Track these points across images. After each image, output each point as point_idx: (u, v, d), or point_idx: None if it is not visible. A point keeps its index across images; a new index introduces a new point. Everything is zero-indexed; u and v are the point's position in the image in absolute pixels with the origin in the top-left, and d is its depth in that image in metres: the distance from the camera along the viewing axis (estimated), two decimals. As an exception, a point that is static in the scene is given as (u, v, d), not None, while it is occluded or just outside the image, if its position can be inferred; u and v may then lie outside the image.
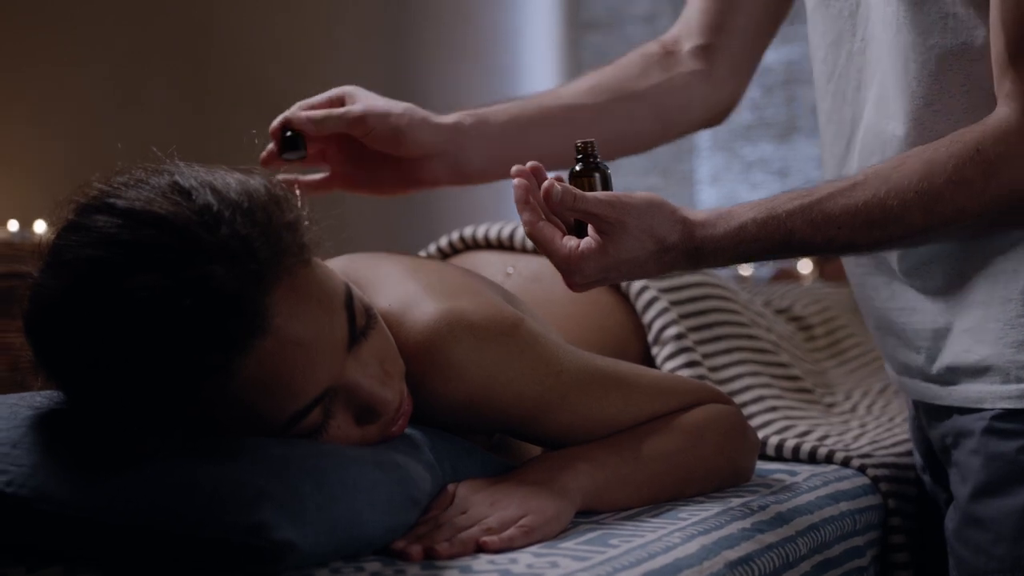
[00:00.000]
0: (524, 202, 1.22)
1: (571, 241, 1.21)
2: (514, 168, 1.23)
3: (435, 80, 3.50)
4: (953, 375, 1.35)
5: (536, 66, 4.17)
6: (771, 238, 1.23)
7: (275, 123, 1.39)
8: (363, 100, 1.42)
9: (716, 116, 1.66)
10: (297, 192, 1.09)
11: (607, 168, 1.27)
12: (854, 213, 1.21)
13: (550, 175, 1.23)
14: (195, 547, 0.97)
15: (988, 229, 1.27)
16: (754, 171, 4.42)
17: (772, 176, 4.41)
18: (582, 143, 1.26)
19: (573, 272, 1.22)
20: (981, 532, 1.34)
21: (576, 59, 4.52)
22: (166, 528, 0.97)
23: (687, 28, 1.63)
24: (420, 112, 1.44)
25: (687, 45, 1.62)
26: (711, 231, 1.23)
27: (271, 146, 1.41)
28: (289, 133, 1.39)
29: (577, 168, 1.26)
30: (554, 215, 1.23)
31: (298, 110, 1.40)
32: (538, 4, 4.31)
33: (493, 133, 1.49)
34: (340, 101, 1.43)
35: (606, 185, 1.26)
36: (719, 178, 4.48)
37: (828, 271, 3.14)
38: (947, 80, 1.26)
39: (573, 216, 1.22)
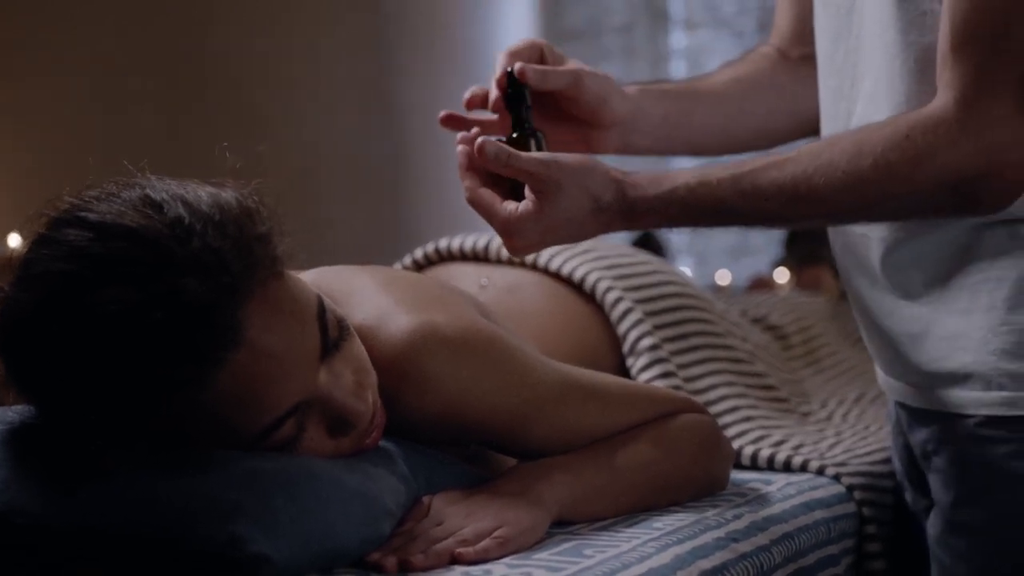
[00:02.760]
0: (466, 168, 1.24)
1: (510, 205, 1.23)
2: (459, 135, 1.25)
3: (415, 90, 3.50)
4: (932, 380, 1.35)
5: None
6: (701, 204, 1.24)
7: (499, 73, 1.37)
8: (562, 55, 1.42)
9: None
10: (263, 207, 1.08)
11: (542, 136, 1.29)
12: (781, 186, 1.23)
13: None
14: (169, 561, 0.97)
15: (930, 215, 1.27)
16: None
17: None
18: (518, 110, 1.29)
19: (513, 234, 1.23)
20: (963, 539, 1.34)
21: (554, 69, 4.52)
22: (139, 541, 0.97)
23: (782, 39, 1.63)
24: (611, 78, 1.44)
25: (793, 53, 1.62)
26: (643, 191, 1.24)
27: (496, 95, 1.38)
28: (511, 90, 1.36)
29: (513, 135, 1.28)
30: (492, 182, 1.24)
31: (510, 59, 1.38)
32: (516, 15, 4.32)
33: (660, 114, 1.49)
34: (539, 51, 1.41)
35: (540, 150, 1.27)
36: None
37: (804, 281, 3.15)
38: (924, 78, 1.27)
39: (508, 175, 1.23)
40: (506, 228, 1.23)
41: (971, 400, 1.31)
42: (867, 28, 1.34)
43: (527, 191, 1.23)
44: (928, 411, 1.38)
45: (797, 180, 1.22)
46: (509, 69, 1.35)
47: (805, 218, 1.26)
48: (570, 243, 1.32)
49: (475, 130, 1.25)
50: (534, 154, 1.23)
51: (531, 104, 1.35)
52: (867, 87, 1.35)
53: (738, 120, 1.55)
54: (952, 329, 1.32)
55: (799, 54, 1.61)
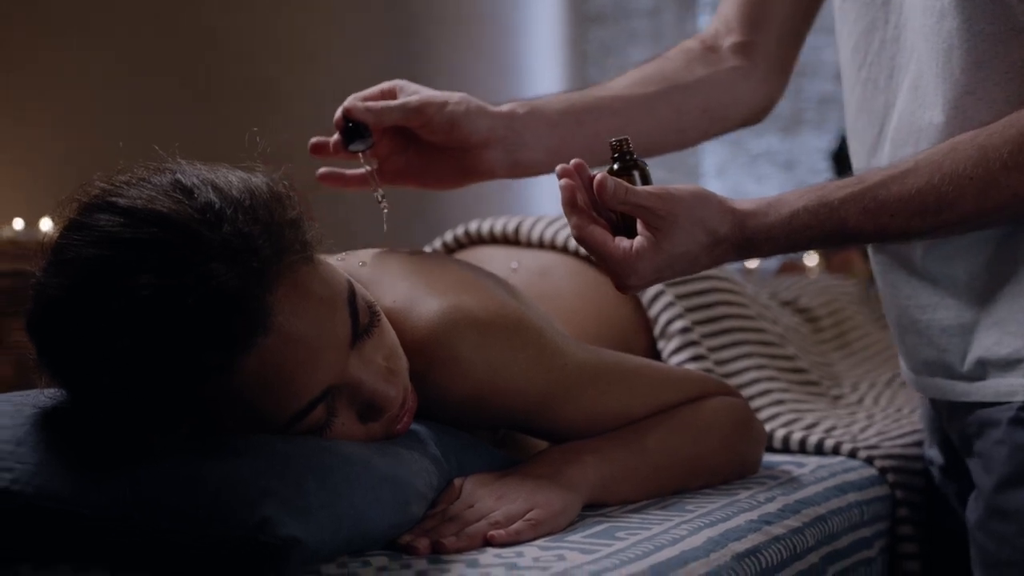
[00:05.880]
0: (572, 204, 1.19)
1: (624, 242, 1.19)
2: (559, 167, 1.20)
3: (440, 74, 3.50)
4: (983, 369, 1.33)
5: (541, 60, 4.17)
6: (823, 226, 1.22)
7: (337, 114, 1.36)
8: (417, 90, 1.39)
9: (757, 113, 1.64)
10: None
11: (645, 164, 1.23)
12: (907, 200, 1.20)
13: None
14: (201, 543, 0.97)
15: None
16: (760, 163, 4.42)
17: (778, 168, 4.40)
18: (616, 141, 1.23)
19: (629, 274, 1.19)
20: (1006, 523, 1.32)
21: (580, 52, 4.52)
22: (171, 526, 0.97)
23: (725, 25, 1.61)
24: (475, 100, 1.41)
25: (726, 42, 1.59)
26: (763, 220, 1.22)
27: (336, 137, 1.37)
28: (351, 124, 1.35)
29: (615, 167, 1.22)
30: (597, 215, 1.20)
31: (354, 101, 1.37)
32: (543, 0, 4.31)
33: (548, 122, 1.45)
34: (392, 93, 1.39)
35: (646, 181, 1.22)
36: (725, 170, 4.48)
37: (834, 263, 3.14)
38: (992, 67, 1.25)
39: (624, 210, 1.19)
40: (622, 267, 1.19)
41: (1022, 386, 1.30)
42: (911, 18, 1.32)
43: (640, 226, 1.19)
44: (974, 402, 1.37)
45: (923, 191, 1.20)
46: (343, 107, 1.34)
47: (930, 230, 1.23)
48: (681, 277, 1.28)
49: (575, 161, 1.20)
50: (649, 187, 1.19)
51: (373, 140, 1.35)
52: (910, 79, 1.33)
53: (641, 122, 1.50)
54: (1001, 314, 1.30)
55: (736, 42, 1.59)
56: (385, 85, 1.40)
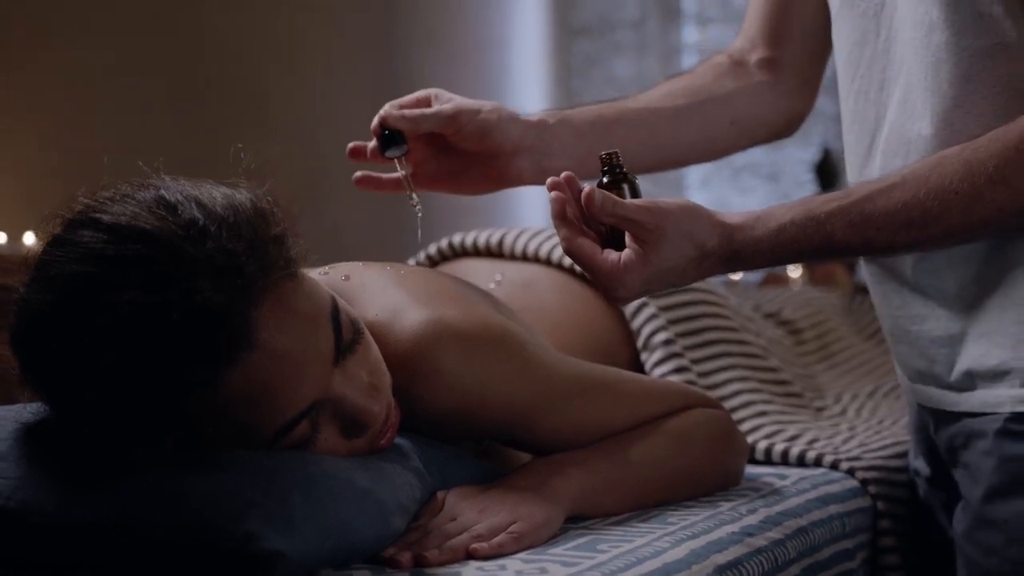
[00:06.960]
0: (562, 217, 1.20)
1: (612, 255, 1.20)
2: (549, 180, 1.21)
3: (425, 86, 3.50)
4: (971, 380, 1.34)
5: (525, 72, 4.18)
6: (810, 240, 1.23)
7: (374, 122, 1.39)
8: (451, 99, 1.42)
9: (784, 128, 1.65)
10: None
11: (635, 178, 1.25)
12: (893, 214, 1.21)
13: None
14: (185, 558, 0.98)
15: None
16: (743, 175, 4.42)
17: (762, 180, 4.41)
18: (606, 154, 1.25)
19: (617, 286, 1.20)
20: (994, 534, 1.33)
21: (565, 65, 4.52)
22: (155, 540, 0.98)
23: (749, 41, 1.63)
24: (507, 109, 1.44)
25: (752, 57, 1.61)
26: (750, 233, 1.23)
27: (373, 143, 1.41)
28: (387, 131, 1.38)
29: (604, 180, 1.24)
30: (587, 228, 1.22)
31: (391, 109, 1.40)
32: (527, 10, 4.32)
33: (576, 132, 1.48)
34: (427, 101, 1.42)
35: (635, 194, 1.24)
36: (708, 182, 4.48)
37: (818, 275, 3.14)
38: (979, 81, 1.26)
39: (612, 223, 1.20)
40: (610, 279, 1.20)
41: (1008, 397, 1.30)
42: (901, 31, 1.33)
43: (628, 239, 1.20)
44: (959, 412, 1.37)
45: (909, 206, 1.21)
46: (380, 115, 1.37)
47: (915, 243, 1.24)
48: (669, 289, 1.29)
49: (566, 174, 1.22)
50: (637, 201, 1.20)
51: (408, 147, 1.38)
52: (899, 92, 1.34)
53: (669, 133, 1.53)
54: (988, 326, 1.31)
55: (761, 57, 1.61)
56: (421, 93, 1.43)
